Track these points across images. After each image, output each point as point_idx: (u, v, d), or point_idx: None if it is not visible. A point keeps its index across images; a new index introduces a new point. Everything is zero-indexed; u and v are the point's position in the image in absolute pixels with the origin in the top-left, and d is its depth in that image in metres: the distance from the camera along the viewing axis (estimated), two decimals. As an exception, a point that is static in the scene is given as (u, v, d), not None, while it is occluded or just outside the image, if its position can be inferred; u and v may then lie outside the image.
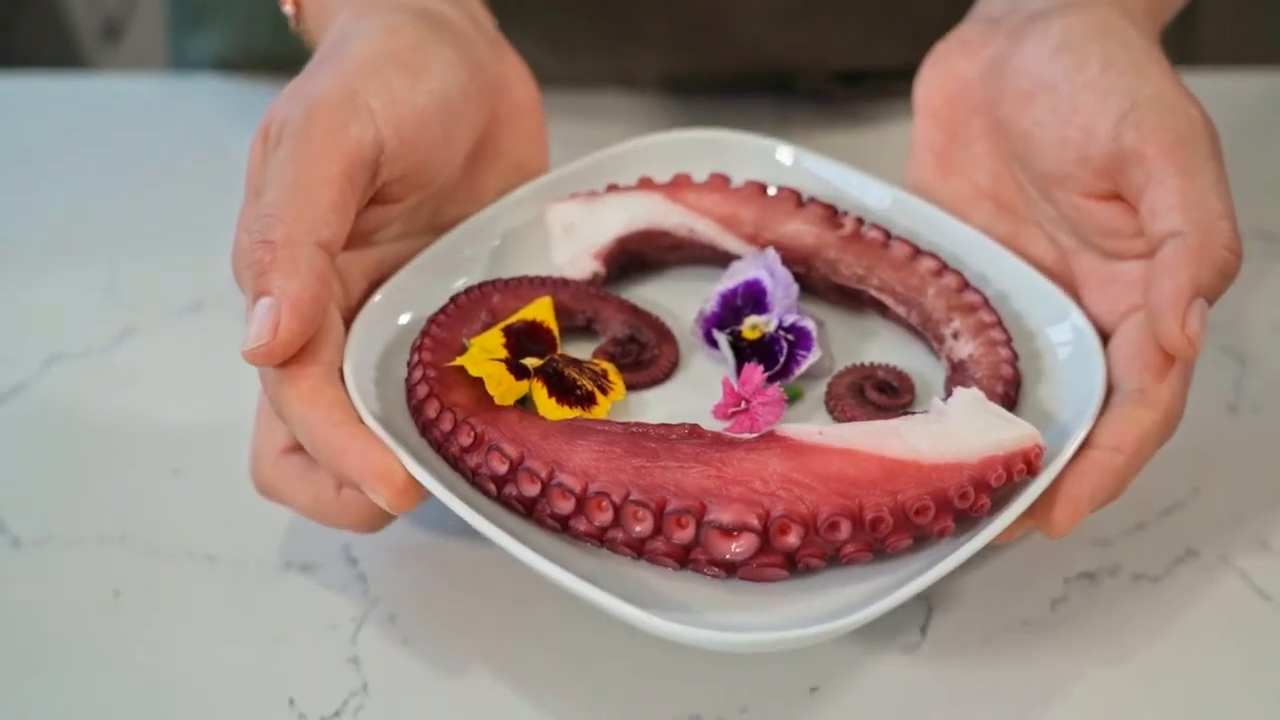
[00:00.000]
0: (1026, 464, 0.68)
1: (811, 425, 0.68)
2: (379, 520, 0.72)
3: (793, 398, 0.74)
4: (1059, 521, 0.67)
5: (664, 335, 0.77)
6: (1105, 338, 0.73)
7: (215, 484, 0.71)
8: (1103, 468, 0.68)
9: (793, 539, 0.65)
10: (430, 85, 0.73)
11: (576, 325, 0.77)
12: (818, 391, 0.74)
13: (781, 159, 0.83)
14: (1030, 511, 0.67)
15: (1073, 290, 0.75)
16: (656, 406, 0.74)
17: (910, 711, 0.69)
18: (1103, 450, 0.68)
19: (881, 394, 0.73)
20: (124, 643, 0.73)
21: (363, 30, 0.73)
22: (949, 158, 0.79)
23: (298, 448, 0.72)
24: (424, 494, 0.67)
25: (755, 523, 0.65)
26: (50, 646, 0.72)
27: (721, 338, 0.75)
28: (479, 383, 0.71)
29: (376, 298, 0.74)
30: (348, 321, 0.72)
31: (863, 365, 0.75)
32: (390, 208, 0.74)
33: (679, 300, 0.78)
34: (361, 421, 0.68)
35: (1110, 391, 0.70)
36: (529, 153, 0.80)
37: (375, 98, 0.71)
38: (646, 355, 0.76)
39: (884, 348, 0.77)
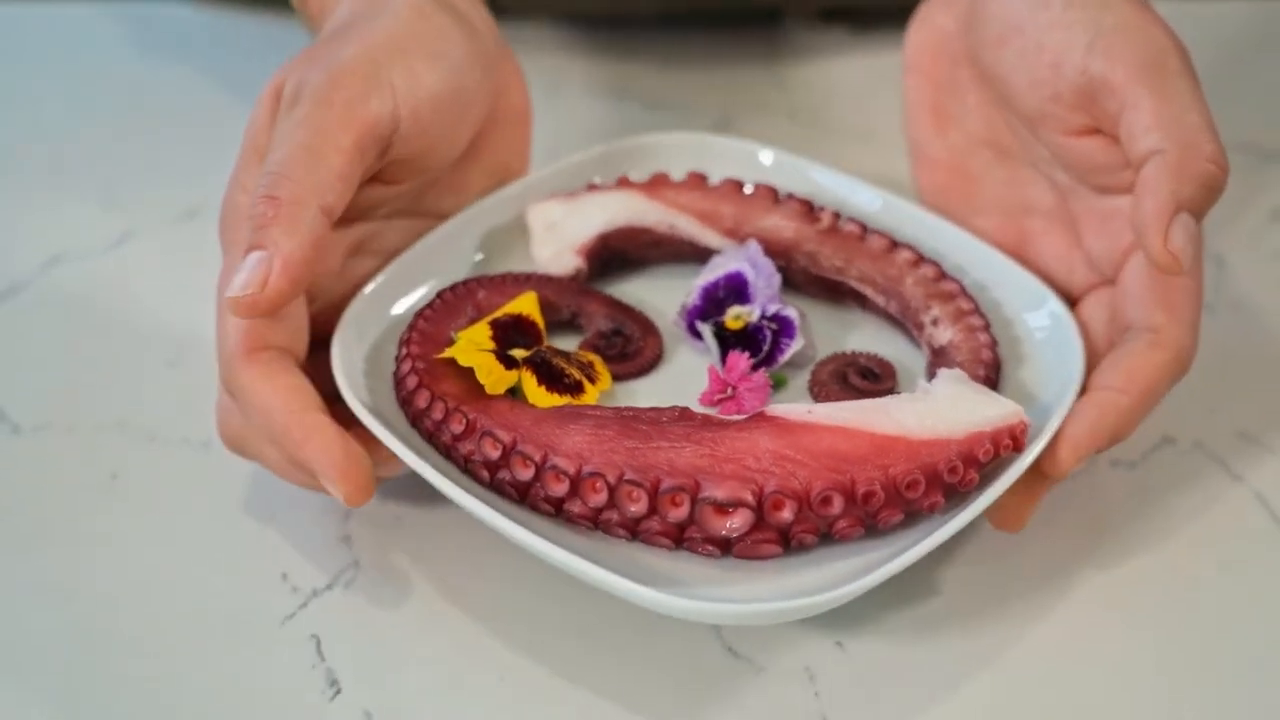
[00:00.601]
0: (1013, 439, 0.69)
1: (802, 405, 0.69)
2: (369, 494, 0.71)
3: (777, 385, 0.75)
4: (1061, 459, 0.68)
5: (648, 328, 0.77)
6: (1108, 279, 0.74)
7: (211, 375, 0.71)
8: (1104, 407, 0.69)
9: (787, 514, 0.66)
10: (449, 74, 0.73)
11: (561, 320, 0.78)
12: (801, 379, 0.75)
13: (762, 160, 0.84)
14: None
15: (1075, 229, 0.76)
16: (643, 397, 0.74)
17: (898, 605, 0.70)
18: (1107, 390, 0.69)
19: (865, 380, 0.74)
20: (121, 522, 0.74)
21: (392, 8, 0.74)
22: (942, 112, 0.81)
23: None
24: (376, 486, 0.69)
25: (750, 498, 0.66)
26: (49, 526, 0.74)
27: (705, 328, 0.76)
28: (468, 374, 0.71)
29: (365, 290, 0.75)
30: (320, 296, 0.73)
31: (845, 353, 0.76)
32: (386, 188, 0.74)
33: (661, 296, 0.79)
34: (321, 410, 0.68)
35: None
36: (515, 157, 0.81)
37: (399, 76, 0.72)
38: (631, 348, 0.77)
39: (865, 338, 0.78)
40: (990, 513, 0.69)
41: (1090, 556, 0.72)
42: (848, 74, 1.03)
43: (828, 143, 0.98)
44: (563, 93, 0.86)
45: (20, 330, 0.85)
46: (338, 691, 0.68)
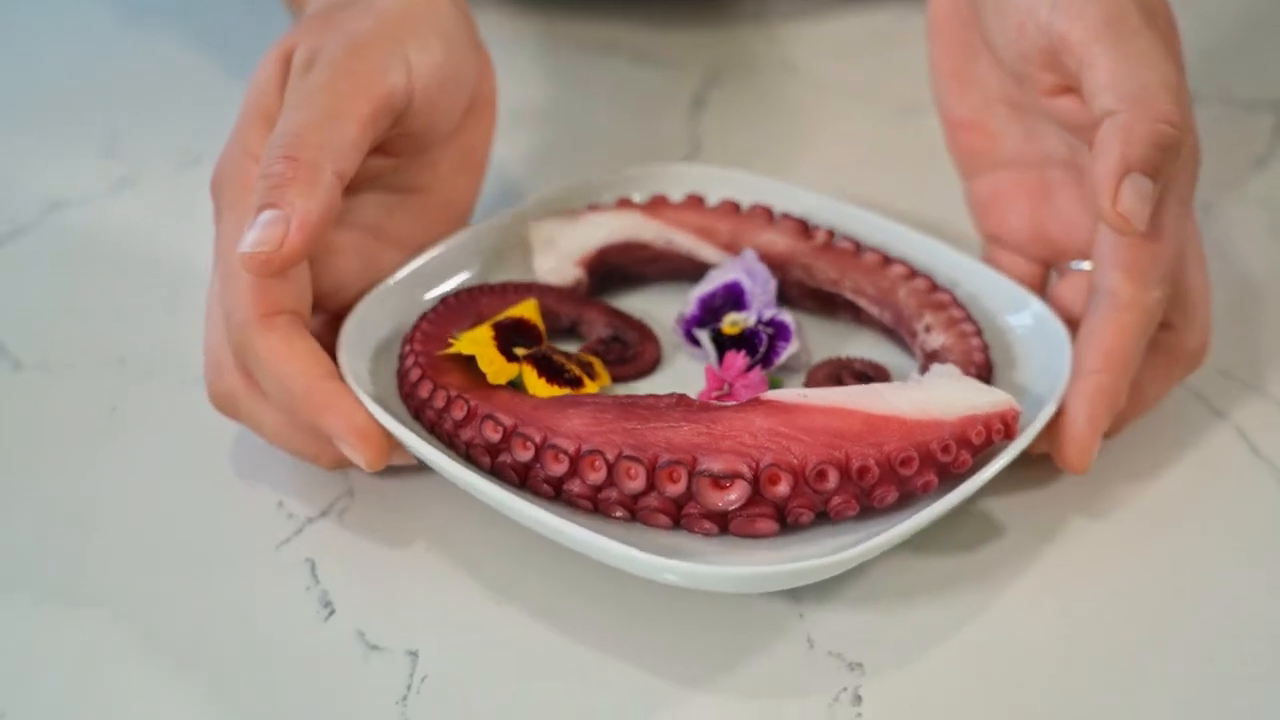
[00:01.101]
0: (1004, 425, 0.70)
1: (795, 389, 0.70)
2: (343, 463, 0.72)
3: (774, 386, 0.76)
4: (1073, 462, 0.70)
5: (646, 335, 0.79)
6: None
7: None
8: (1090, 396, 0.70)
9: (783, 488, 0.67)
10: (454, 54, 0.76)
11: (561, 327, 0.79)
12: (797, 383, 0.77)
13: (750, 185, 0.86)
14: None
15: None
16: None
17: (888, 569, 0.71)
18: (1088, 377, 0.71)
19: (858, 382, 0.76)
20: (120, 453, 0.76)
21: None
22: (961, 74, 0.81)
23: None
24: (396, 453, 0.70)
25: (746, 471, 0.67)
26: (49, 457, 0.76)
27: (703, 334, 0.78)
28: (471, 368, 0.73)
29: (368, 296, 0.76)
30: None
31: (840, 358, 0.77)
32: (384, 160, 0.76)
33: (659, 309, 0.81)
34: (338, 377, 0.69)
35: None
36: (481, 143, 0.82)
37: (415, 53, 0.73)
38: (630, 353, 0.78)
39: (860, 346, 0.79)
40: (1059, 450, 0.71)
41: (1073, 493, 0.73)
42: (838, 30, 1.05)
43: (818, 98, 1.00)
44: (552, 50, 0.88)
45: (22, 272, 0.88)
46: (331, 613, 0.69)
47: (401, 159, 0.77)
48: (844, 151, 0.97)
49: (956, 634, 0.68)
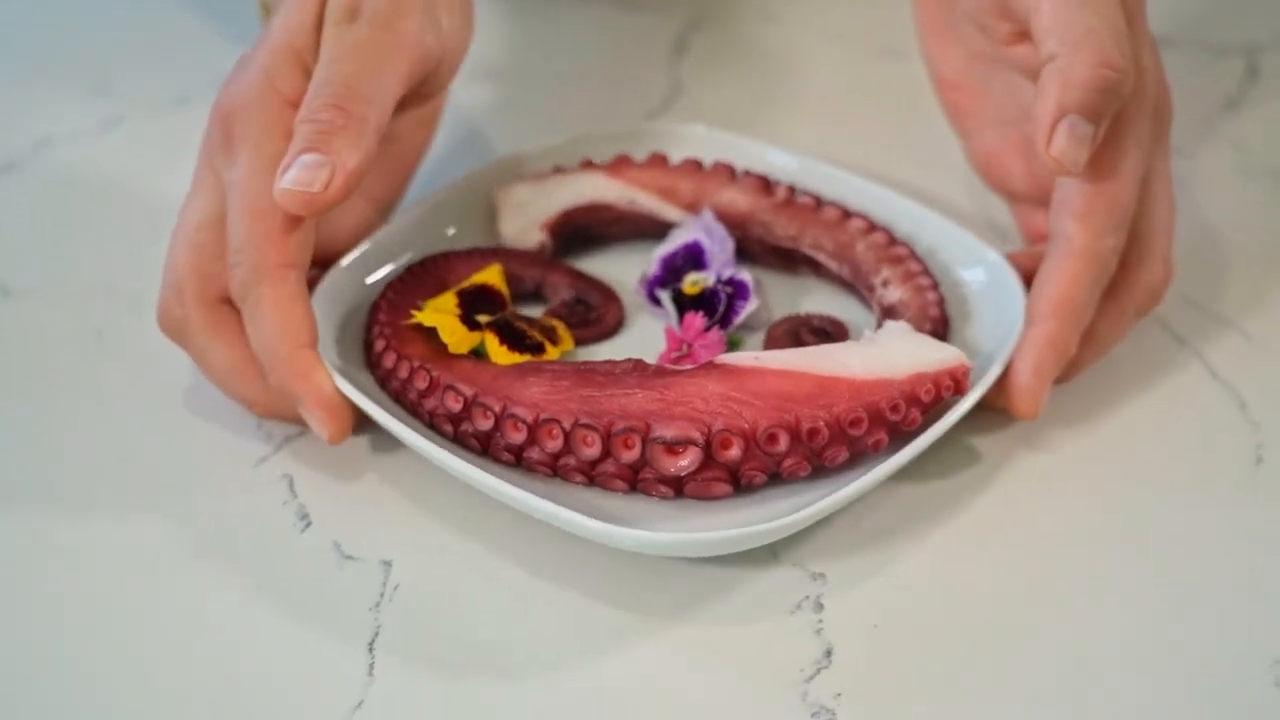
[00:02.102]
0: (954, 382, 0.71)
1: (749, 353, 0.72)
2: (276, 413, 0.74)
3: (733, 346, 0.78)
4: (1021, 409, 0.72)
5: (609, 296, 0.80)
6: None
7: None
8: (1038, 344, 0.72)
9: (735, 452, 0.69)
10: (470, 18, 0.78)
11: (525, 291, 0.81)
12: (757, 341, 0.78)
13: (716, 145, 0.87)
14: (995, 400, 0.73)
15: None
16: (604, 358, 0.77)
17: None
18: (1039, 325, 0.72)
19: (817, 338, 0.77)
20: (106, 376, 0.79)
21: None
22: (943, 33, 0.82)
23: (229, 301, 0.73)
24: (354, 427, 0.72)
25: (698, 437, 0.69)
26: (38, 379, 0.79)
27: (664, 295, 0.79)
28: (434, 338, 0.74)
29: (341, 263, 0.78)
30: None
31: (799, 315, 0.79)
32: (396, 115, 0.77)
33: (623, 270, 0.82)
34: (316, 347, 0.71)
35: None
36: (437, 109, 0.83)
37: (445, 17, 0.75)
38: (593, 315, 0.79)
39: (818, 302, 0.81)
40: (1007, 399, 0.72)
41: (1032, 423, 0.75)
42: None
43: (799, 43, 1.01)
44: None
45: (12, 205, 0.90)
46: (308, 525, 0.72)
47: (406, 112, 0.78)
48: (824, 97, 0.98)
49: (918, 546, 0.70)
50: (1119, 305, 0.76)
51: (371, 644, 0.67)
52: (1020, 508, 0.72)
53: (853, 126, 0.95)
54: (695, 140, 0.86)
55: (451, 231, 0.83)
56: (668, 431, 0.69)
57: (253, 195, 0.71)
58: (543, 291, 0.81)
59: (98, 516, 0.72)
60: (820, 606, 0.68)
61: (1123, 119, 0.73)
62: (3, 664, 0.66)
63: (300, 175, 0.69)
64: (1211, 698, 0.65)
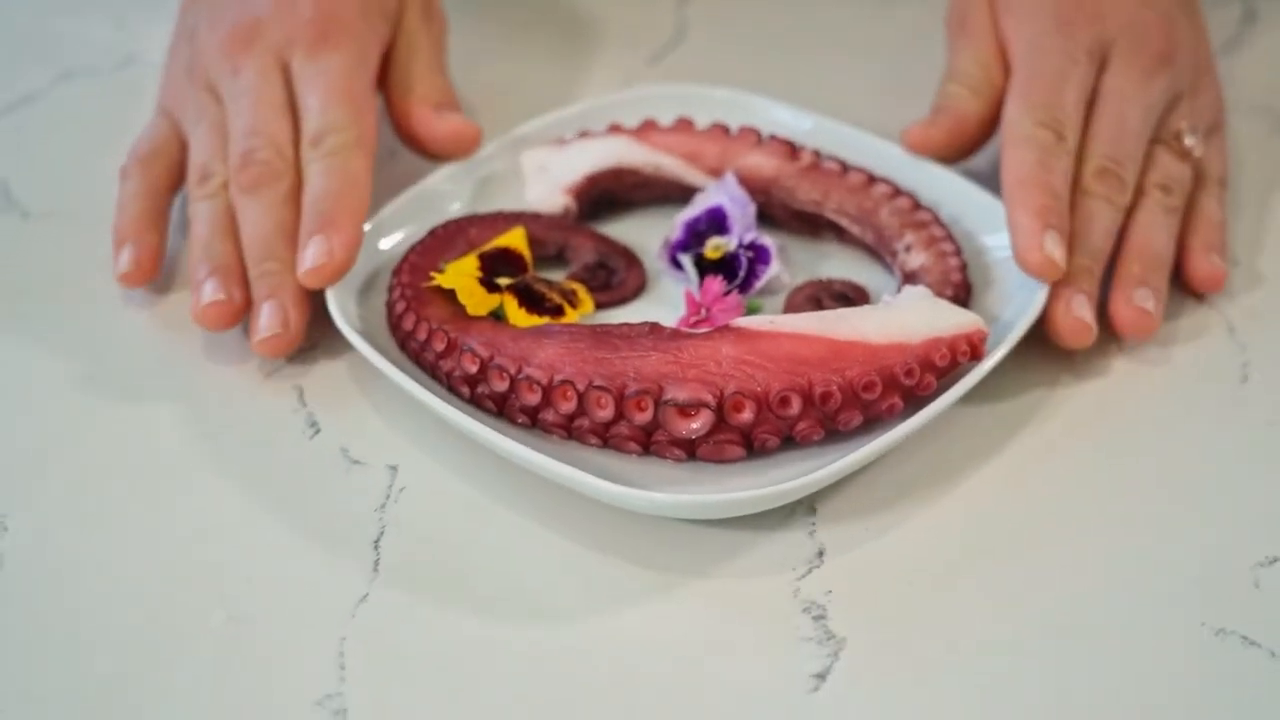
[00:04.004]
0: (970, 346, 0.71)
1: (764, 316, 0.72)
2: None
3: (753, 310, 0.78)
4: (1033, 265, 0.74)
5: (631, 261, 0.81)
6: None
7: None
8: (1014, 211, 0.75)
9: (747, 415, 0.69)
10: None
11: (548, 255, 0.81)
12: (777, 305, 0.78)
13: (745, 109, 0.87)
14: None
15: None
16: (623, 320, 0.77)
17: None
18: (1007, 206, 0.76)
19: (838, 303, 0.77)
20: (120, 294, 0.81)
21: None
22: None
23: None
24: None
25: (710, 399, 0.69)
26: (55, 297, 0.82)
27: (685, 259, 0.79)
28: (455, 300, 0.75)
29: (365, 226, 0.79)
30: None
31: (820, 279, 0.79)
32: None
33: (647, 235, 0.82)
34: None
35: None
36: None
37: None
38: (615, 279, 0.80)
39: (840, 266, 0.81)
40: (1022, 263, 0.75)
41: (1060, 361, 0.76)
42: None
43: None
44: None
45: (32, 134, 0.94)
46: (317, 432, 0.74)
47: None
48: (833, 45, 0.99)
49: (916, 490, 0.71)
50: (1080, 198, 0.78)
51: (377, 542, 0.69)
52: (1023, 468, 0.73)
53: (864, 78, 0.96)
54: (714, 102, 0.86)
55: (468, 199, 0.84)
56: (680, 394, 0.69)
57: (355, 81, 0.81)
58: (566, 255, 0.81)
59: (111, 423, 0.75)
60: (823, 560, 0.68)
61: (1063, 35, 0.80)
62: (18, 563, 0.69)
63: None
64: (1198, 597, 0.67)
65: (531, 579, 0.68)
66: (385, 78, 0.85)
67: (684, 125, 0.84)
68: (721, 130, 0.84)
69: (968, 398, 0.72)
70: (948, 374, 0.71)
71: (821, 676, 0.64)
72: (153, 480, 0.72)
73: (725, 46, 0.99)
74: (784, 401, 0.69)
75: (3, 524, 0.70)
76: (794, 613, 0.66)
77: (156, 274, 0.80)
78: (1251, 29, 1.00)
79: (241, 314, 0.77)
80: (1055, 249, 0.74)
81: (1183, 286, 0.79)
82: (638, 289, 0.80)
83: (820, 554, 0.68)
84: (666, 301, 0.79)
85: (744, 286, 0.78)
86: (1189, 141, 0.81)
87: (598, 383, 0.70)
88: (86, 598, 0.68)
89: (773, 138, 0.83)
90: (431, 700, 0.64)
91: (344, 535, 0.69)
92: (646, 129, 0.84)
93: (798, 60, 0.97)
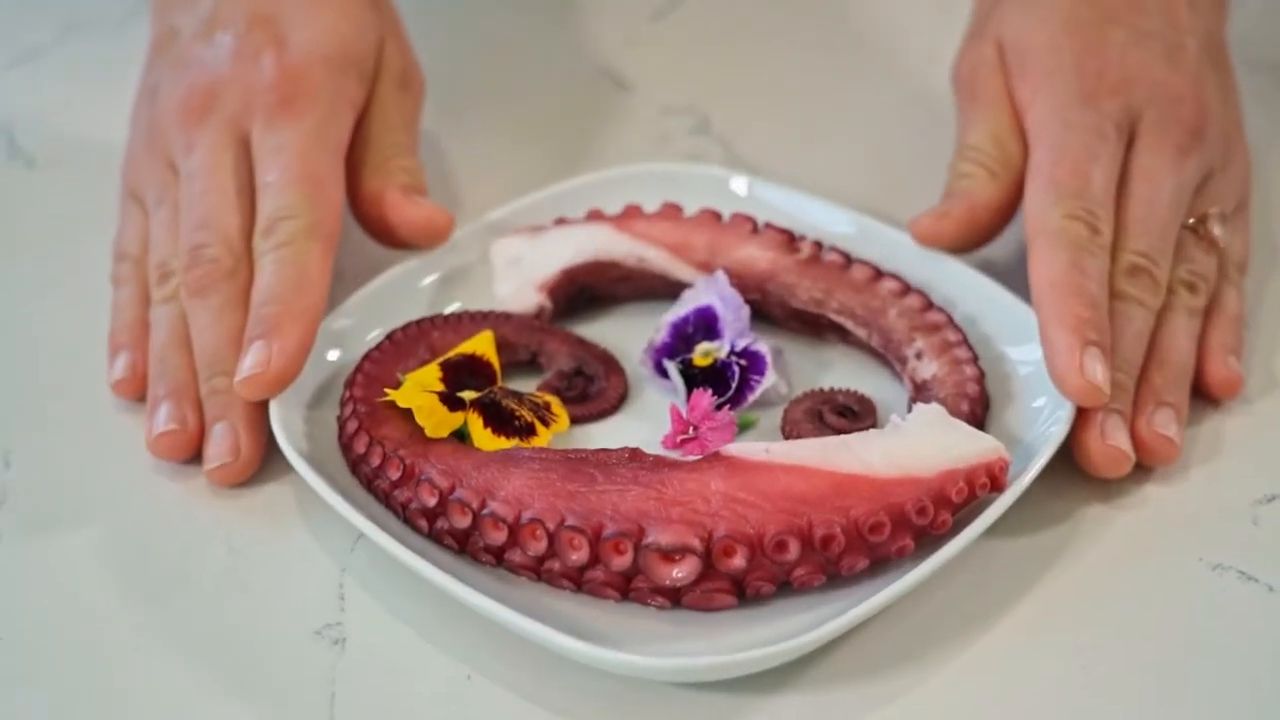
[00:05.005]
0: (990, 478, 0.63)
1: (759, 444, 0.64)
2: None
3: (746, 426, 0.70)
4: (1071, 390, 0.66)
5: (612, 367, 0.73)
6: None
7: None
8: (1048, 325, 0.67)
9: (739, 561, 0.61)
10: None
11: (520, 360, 0.73)
12: (774, 420, 0.70)
13: (736, 189, 0.79)
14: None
15: None
16: (602, 439, 0.70)
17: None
18: (1039, 313, 0.68)
19: (841, 418, 0.69)
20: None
21: None
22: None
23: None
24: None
25: (697, 544, 0.61)
26: (55, 239, 0.83)
27: (671, 366, 0.71)
28: (413, 417, 0.67)
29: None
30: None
31: (821, 390, 0.71)
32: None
33: (630, 335, 0.75)
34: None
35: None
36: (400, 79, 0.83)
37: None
38: (594, 388, 0.72)
39: (845, 374, 0.73)
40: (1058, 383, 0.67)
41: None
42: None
43: None
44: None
45: (38, 86, 0.95)
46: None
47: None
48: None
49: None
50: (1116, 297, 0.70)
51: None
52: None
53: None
54: (703, 182, 0.80)
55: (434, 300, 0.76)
56: (663, 537, 0.61)
57: (316, 156, 0.73)
58: (539, 360, 0.73)
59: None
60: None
61: (1089, 107, 0.73)
62: (18, 495, 0.70)
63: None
64: None
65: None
66: (350, 150, 0.76)
67: (671, 211, 0.76)
68: (712, 217, 0.76)
69: (987, 530, 0.63)
70: (965, 508, 0.63)
71: None
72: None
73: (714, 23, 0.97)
74: (780, 546, 0.61)
75: (5, 460, 0.71)
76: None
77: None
78: None
79: (196, 442, 0.69)
80: (1097, 370, 0.65)
81: (1197, 388, 0.71)
82: (618, 400, 0.72)
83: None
84: (650, 414, 0.71)
85: (736, 399, 0.70)
86: (1217, 231, 0.73)
87: (571, 522, 0.62)
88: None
89: (768, 226, 0.75)
90: None
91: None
92: (629, 216, 0.76)
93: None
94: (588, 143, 0.89)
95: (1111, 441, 0.66)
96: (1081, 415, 0.66)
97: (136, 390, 0.72)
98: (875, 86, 0.93)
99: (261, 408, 0.68)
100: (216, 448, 0.68)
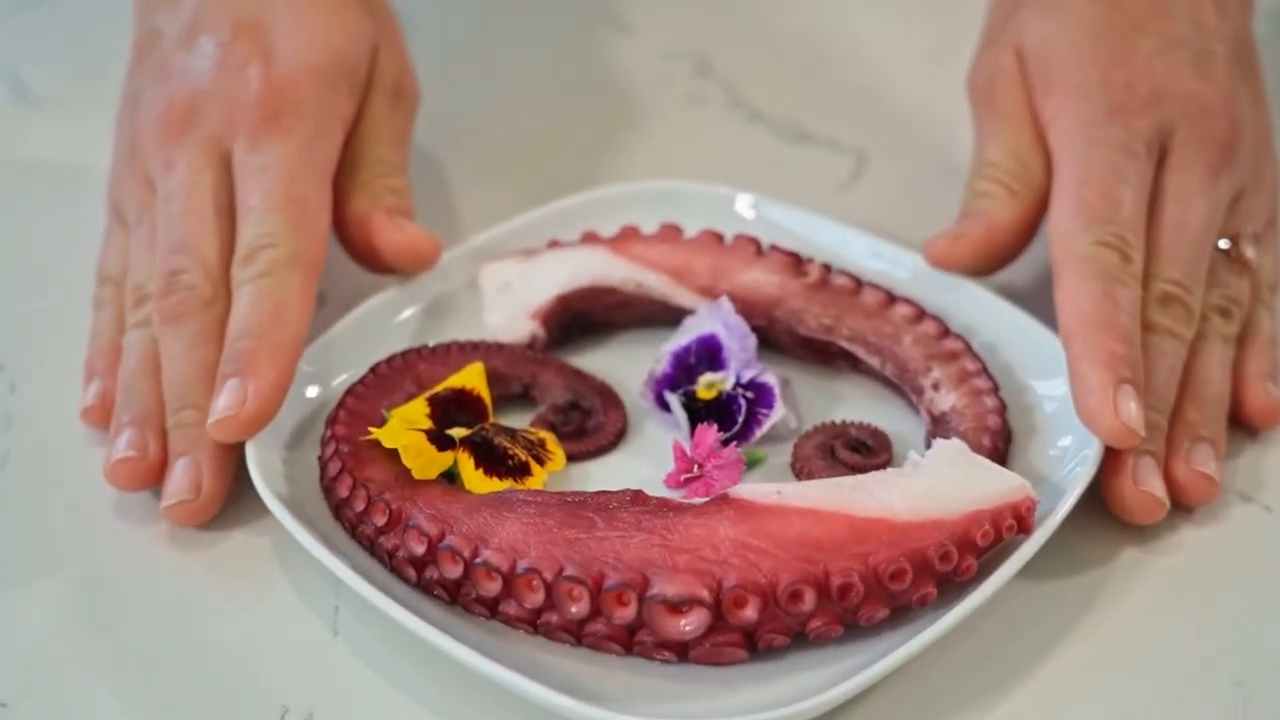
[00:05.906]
0: (1017, 519, 0.59)
1: (769, 485, 0.60)
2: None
3: (754, 463, 0.66)
4: (1107, 433, 0.62)
5: (610, 400, 0.69)
6: None
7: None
8: (1079, 363, 0.63)
9: (750, 612, 0.57)
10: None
11: (512, 393, 0.69)
12: (783, 455, 0.66)
13: (740, 210, 0.75)
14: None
15: None
16: (601, 478, 0.66)
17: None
18: (1067, 349, 0.64)
19: (855, 454, 0.65)
20: None
21: None
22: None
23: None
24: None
25: (705, 595, 0.57)
26: (60, 175, 0.85)
27: (673, 399, 0.67)
28: (399, 457, 0.63)
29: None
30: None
31: (833, 424, 0.67)
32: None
33: (629, 365, 0.71)
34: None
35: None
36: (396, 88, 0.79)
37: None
38: (591, 423, 0.68)
39: (857, 405, 0.69)
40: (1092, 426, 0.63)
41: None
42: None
43: None
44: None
45: (41, 30, 0.97)
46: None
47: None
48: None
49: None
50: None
51: None
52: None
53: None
54: (704, 202, 0.76)
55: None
56: (669, 588, 0.57)
57: (302, 178, 0.69)
58: (532, 393, 0.69)
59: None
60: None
61: (1118, 124, 0.69)
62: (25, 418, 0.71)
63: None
64: None
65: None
66: (337, 168, 0.72)
67: (670, 233, 0.72)
68: (714, 239, 0.72)
69: (1015, 576, 0.59)
70: (990, 551, 0.59)
71: None
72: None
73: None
74: (795, 596, 0.57)
75: (11, 385, 0.72)
76: None
77: None
78: None
79: (157, 472, 0.65)
80: (1131, 411, 0.61)
81: (1234, 417, 0.67)
82: (617, 435, 0.68)
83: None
84: (651, 451, 0.67)
85: (743, 434, 0.66)
86: (1249, 253, 0.69)
87: (570, 571, 0.58)
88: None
89: (774, 248, 0.71)
90: None
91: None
92: (626, 238, 0.72)
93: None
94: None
95: (1145, 487, 0.62)
96: (1112, 456, 0.62)
97: (105, 419, 0.68)
98: (877, 28, 0.93)
99: (231, 446, 0.64)
100: (176, 484, 0.64)
